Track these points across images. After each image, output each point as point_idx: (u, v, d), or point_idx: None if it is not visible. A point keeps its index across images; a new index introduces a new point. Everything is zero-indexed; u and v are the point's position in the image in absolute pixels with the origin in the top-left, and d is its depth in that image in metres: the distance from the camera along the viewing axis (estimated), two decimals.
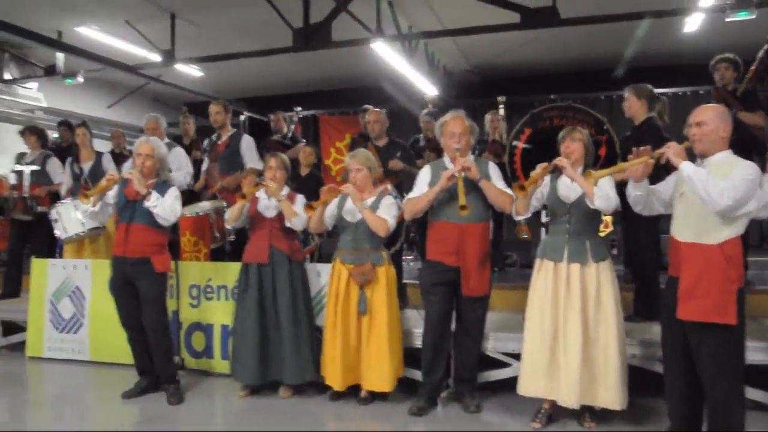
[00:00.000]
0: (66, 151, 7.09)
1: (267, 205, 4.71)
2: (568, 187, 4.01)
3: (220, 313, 5.41)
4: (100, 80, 10.31)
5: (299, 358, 4.75)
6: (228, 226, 4.76)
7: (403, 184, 5.78)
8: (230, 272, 5.37)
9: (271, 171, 4.64)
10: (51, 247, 6.83)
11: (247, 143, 5.98)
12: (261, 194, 4.68)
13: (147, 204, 4.32)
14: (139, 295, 4.58)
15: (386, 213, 4.28)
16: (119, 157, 7.14)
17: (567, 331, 3.85)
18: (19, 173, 6.66)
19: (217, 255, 5.88)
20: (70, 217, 5.96)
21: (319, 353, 4.77)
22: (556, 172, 3.92)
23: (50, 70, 8.55)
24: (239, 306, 4.78)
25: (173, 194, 4.43)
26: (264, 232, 4.71)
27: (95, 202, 4.39)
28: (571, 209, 3.98)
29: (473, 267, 4.23)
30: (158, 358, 4.72)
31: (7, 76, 8.75)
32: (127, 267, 4.54)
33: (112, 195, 4.50)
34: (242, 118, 10.57)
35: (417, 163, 5.87)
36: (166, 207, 4.32)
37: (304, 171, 6.63)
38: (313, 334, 4.87)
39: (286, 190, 4.69)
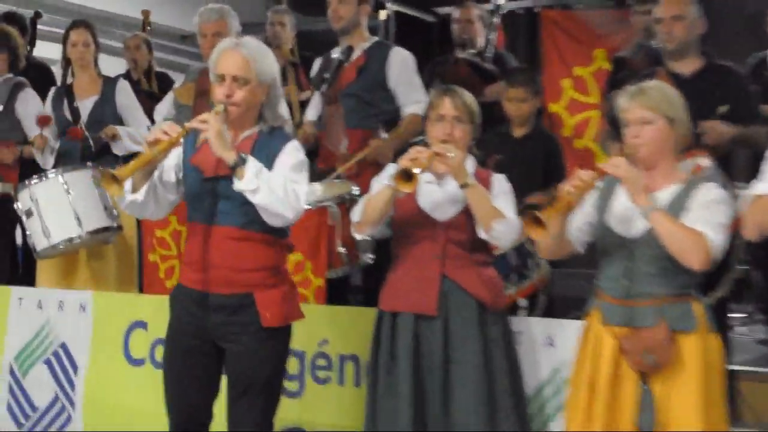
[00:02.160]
0: (44, 75, 6.34)
1: (436, 196, 3.81)
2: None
3: (343, 412, 4.53)
4: None
5: None
6: (360, 236, 3.93)
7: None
8: (361, 328, 4.40)
9: (447, 125, 3.75)
10: (13, 263, 6.00)
11: (403, 63, 5.05)
12: (422, 177, 3.72)
13: (239, 186, 3.34)
14: (228, 371, 3.61)
15: (703, 222, 3.41)
16: (139, 92, 6.29)
17: None
18: None
19: (336, 292, 4.97)
20: (56, 208, 5.03)
21: None
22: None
23: None
24: (380, 396, 3.85)
25: (291, 159, 3.47)
26: (429, 251, 3.78)
27: (137, 186, 3.47)
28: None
29: None
30: None
31: None
32: (209, 314, 3.53)
33: (169, 167, 3.57)
34: (383, 15, 9.02)
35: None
36: (277, 188, 3.36)
37: (518, 129, 5.24)
38: None
39: (472, 165, 3.80)
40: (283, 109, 3.63)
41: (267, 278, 3.57)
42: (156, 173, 3.51)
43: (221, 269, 3.52)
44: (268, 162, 3.45)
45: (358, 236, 4.03)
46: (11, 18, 6.50)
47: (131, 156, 4.88)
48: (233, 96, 3.41)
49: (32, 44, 6.75)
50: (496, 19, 6.72)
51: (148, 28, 7.21)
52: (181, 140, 3.41)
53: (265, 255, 3.60)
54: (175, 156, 3.59)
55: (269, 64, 3.50)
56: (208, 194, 3.55)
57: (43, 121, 5.30)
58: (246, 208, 3.44)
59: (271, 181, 3.36)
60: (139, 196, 3.52)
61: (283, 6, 6.85)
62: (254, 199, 3.38)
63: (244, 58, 3.41)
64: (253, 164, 3.36)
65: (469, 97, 3.84)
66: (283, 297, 3.56)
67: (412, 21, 9.21)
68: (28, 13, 6.96)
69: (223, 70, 3.41)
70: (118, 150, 5.27)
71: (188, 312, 3.58)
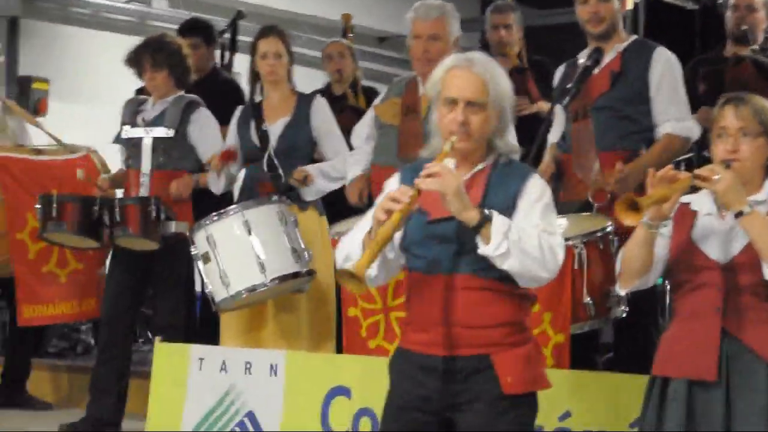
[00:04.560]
0: (198, 91, 5.98)
1: (715, 232, 3.66)
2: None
3: None
4: None
5: None
6: (623, 290, 3.81)
7: None
8: (611, 398, 4.40)
9: (730, 140, 3.60)
10: (190, 315, 6.06)
11: (667, 67, 4.75)
12: (701, 207, 3.72)
13: (485, 250, 3.27)
14: None
15: None
16: (345, 108, 6.31)
17: None
18: (132, 145, 5.67)
19: (580, 351, 4.68)
20: (236, 251, 4.97)
21: None
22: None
23: None
24: None
25: (539, 200, 3.40)
26: (708, 302, 3.61)
27: (381, 247, 3.33)
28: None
29: None
30: None
31: None
32: (438, 381, 3.46)
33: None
34: (630, 3, 8.19)
35: None
36: (531, 248, 3.28)
37: None
38: None
39: None
40: (513, 136, 3.53)
41: (508, 336, 3.45)
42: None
43: (452, 327, 3.44)
44: (507, 202, 3.37)
45: (621, 291, 3.90)
46: (192, 27, 6.59)
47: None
48: (469, 124, 3.34)
49: (232, 50, 6.80)
50: None
51: (350, 34, 7.19)
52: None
53: (504, 308, 3.47)
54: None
55: (505, 85, 3.43)
56: (434, 238, 3.44)
57: (227, 157, 5.25)
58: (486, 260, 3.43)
59: (523, 241, 3.29)
60: (373, 271, 3.46)
61: (505, 2, 6.74)
62: (504, 264, 3.31)
63: (480, 78, 3.36)
64: (499, 222, 3.30)
65: (760, 103, 3.67)
66: (527, 358, 3.48)
67: (667, 8, 8.97)
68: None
69: (455, 92, 3.37)
70: (310, 195, 5.21)
71: (412, 380, 3.52)
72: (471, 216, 3.32)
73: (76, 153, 5.85)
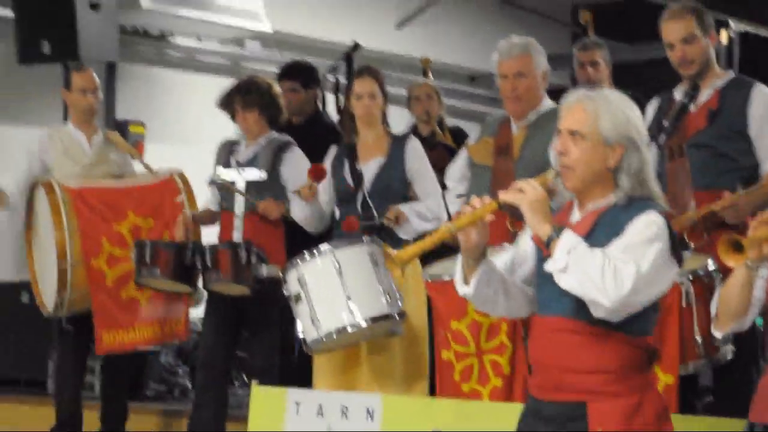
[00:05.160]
0: (301, 134, 6.08)
1: None
2: None
3: None
4: None
5: None
6: (719, 333, 3.66)
7: None
8: None
9: None
10: (286, 358, 6.02)
11: (766, 104, 4.67)
12: None
13: (548, 266, 3.26)
14: None
15: None
16: (430, 145, 6.21)
17: None
18: (224, 189, 5.71)
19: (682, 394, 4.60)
20: (326, 292, 4.86)
21: None
22: None
23: None
24: None
25: (638, 232, 3.25)
26: None
27: (467, 276, 3.39)
28: None
29: None
30: None
31: None
32: (551, 427, 3.45)
33: (525, 250, 3.53)
34: (724, 38, 8.31)
35: None
36: (592, 268, 3.17)
37: None
38: None
39: None
40: (651, 179, 3.42)
41: (606, 384, 3.35)
42: (504, 261, 3.48)
43: (550, 370, 3.41)
44: (612, 239, 3.28)
45: (717, 334, 3.74)
46: (289, 71, 6.59)
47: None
48: (567, 153, 3.29)
49: (348, 90, 6.86)
50: None
51: (430, 78, 7.16)
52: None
53: (602, 353, 3.38)
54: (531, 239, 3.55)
55: (623, 121, 3.33)
56: (544, 277, 3.40)
57: (316, 173, 5.20)
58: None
59: (586, 260, 3.20)
60: (468, 289, 3.43)
61: (591, 39, 6.63)
62: (561, 281, 3.25)
63: (585, 110, 3.31)
64: (568, 238, 3.22)
65: None
66: (624, 411, 3.34)
67: (762, 42, 8.72)
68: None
69: (561, 124, 3.36)
70: (404, 233, 5.14)
71: (524, 422, 3.53)
72: (543, 230, 3.27)
73: (159, 177, 5.89)
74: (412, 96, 6.70)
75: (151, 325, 6.14)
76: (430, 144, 6.27)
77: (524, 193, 3.25)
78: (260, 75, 6.12)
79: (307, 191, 5.11)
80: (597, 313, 3.27)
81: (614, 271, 3.16)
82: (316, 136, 6.02)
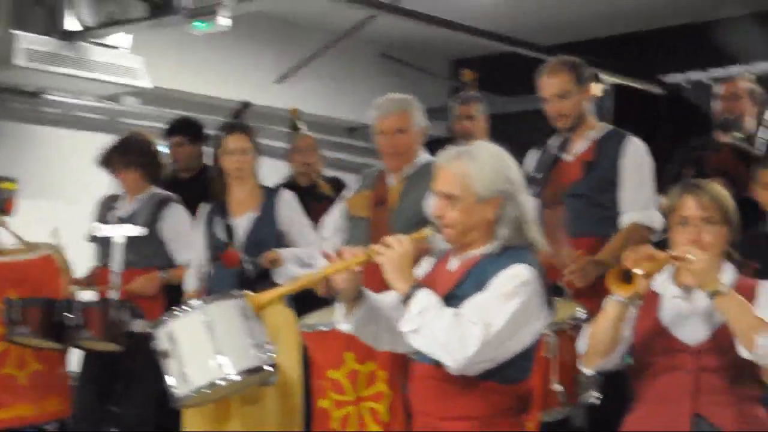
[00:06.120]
0: (191, 188, 6.19)
1: (684, 313, 3.65)
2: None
3: None
4: (263, 21, 8.98)
5: None
6: (589, 371, 3.92)
7: None
8: None
9: (693, 230, 3.61)
10: (161, 412, 5.65)
11: (636, 157, 4.85)
12: (667, 291, 3.70)
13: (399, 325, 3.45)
14: None
15: None
16: (309, 197, 6.17)
17: None
18: (104, 243, 5.64)
19: None
20: (196, 347, 4.61)
21: None
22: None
23: (160, 6, 7.24)
24: None
25: (499, 286, 3.29)
26: (678, 385, 3.61)
27: (347, 311, 3.47)
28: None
29: None
30: None
31: (70, 24, 7.46)
32: None
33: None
34: (598, 90, 8.40)
35: None
36: (439, 330, 3.22)
37: None
38: None
39: (731, 274, 3.67)
40: (531, 227, 3.47)
41: (474, 430, 3.42)
42: (390, 299, 3.46)
43: (423, 416, 3.48)
44: (478, 290, 3.32)
45: (587, 371, 3.86)
46: (176, 126, 6.61)
47: None
48: (443, 215, 3.33)
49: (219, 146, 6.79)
50: None
51: (301, 128, 7.18)
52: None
53: (470, 401, 3.41)
54: None
55: (494, 175, 3.37)
56: None
57: (230, 260, 5.20)
58: None
59: (435, 322, 3.22)
60: (347, 326, 3.50)
61: (469, 93, 6.74)
62: (412, 341, 3.30)
63: (455, 172, 3.34)
64: (422, 299, 3.24)
65: (719, 191, 3.68)
66: None
67: (635, 93, 9.06)
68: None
69: (435, 186, 3.39)
70: (280, 277, 5.13)
71: None
72: (400, 288, 3.27)
73: (37, 253, 5.78)
74: (293, 148, 6.71)
75: (31, 403, 6.01)
76: (317, 197, 6.29)
77: (389, 249, 3.26)
78: (140, 131, 6.10)
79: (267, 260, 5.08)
80: (447, 370, 3.31)
81: (460, 334, 3.17)
82: (204, 191, 6.02)
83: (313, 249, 5.11)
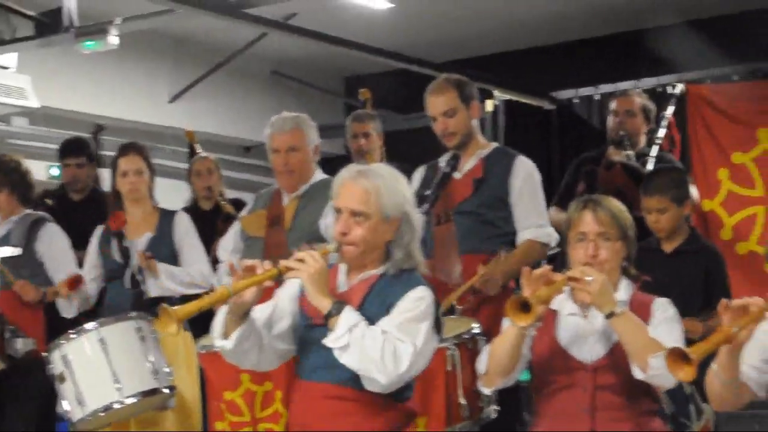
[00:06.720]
0: (83, 210, 6.27)
1: (580, 333, 3.66)
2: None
3: None
4: (155, 39, 8.92)
5: None
6: (488, 390, 3.86)
7: None
8: None
9: (590, 245, 3.63)
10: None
11: (527, 177, 4.90)
12: (564, 308, 3.70)
13: (327, 341, 3.32)
14: None
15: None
16: (212, 219, 6.26)
17: None
18: None
19: None
20: (91, 370, 4.76)
21: None
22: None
23: (47, 25, 7.04)
24: None
25: (409, 310, 3.37)
26: (575, 402, 3.62)
27: (228, 331, 3.40)
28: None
29: None
30: None
31: None
32: None
33: (284, 310, 3.53)
34: (489, 107, 8.61)
35: None
36: (371, 348, 3.27)
37: (667, 244, 5.31)
38: None
39: (628, 290, 3.72)
40: (417, 250, 3.51)
41: None
42: (262, 316, 3.46)
43: None
44: (382, 311, 3.35)
45: (486, 390, 3.88)
46: (75, 147, 6.50)
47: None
48: (349, 234, 3.33)
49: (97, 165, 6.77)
50: (669, 112, 6.50)
51: (199, 151, 7.12)
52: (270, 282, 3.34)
53: (369, 418, 3.46)
54: (294, 299, 3.53)
55: (399, 196, 3.42)
56: (314, 344, 3.46)
57: (72, 285, 5.18)
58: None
59: (366, 339, 3.26)
60: (228, 343, 3.42)
61: (364, 111, 6.77)
62: (341, 358, 3.29)
63: (364, 189, 3.34)
64: (348, 316, 3.27)
65: (616, 207, 3.70)
66: None
67: (526, 108, 9.07)
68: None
69: (340, 203, 3.38)
70: (153, 287, 5.10)
71: None
72: (323, 304, 3.28)
73: None
74: (193, 171, 6.66)
75: None
76: (223, 218, 6.25)
77: (305, 264, 3.26)
78: (9, 154, 6.00)
79: (64, 289, 5.07)
80: (371, 387, 3.32)
81: (393, 350, 3.22)
82: (95, 212, 5.96)
83: (196, 269, 5.11)
